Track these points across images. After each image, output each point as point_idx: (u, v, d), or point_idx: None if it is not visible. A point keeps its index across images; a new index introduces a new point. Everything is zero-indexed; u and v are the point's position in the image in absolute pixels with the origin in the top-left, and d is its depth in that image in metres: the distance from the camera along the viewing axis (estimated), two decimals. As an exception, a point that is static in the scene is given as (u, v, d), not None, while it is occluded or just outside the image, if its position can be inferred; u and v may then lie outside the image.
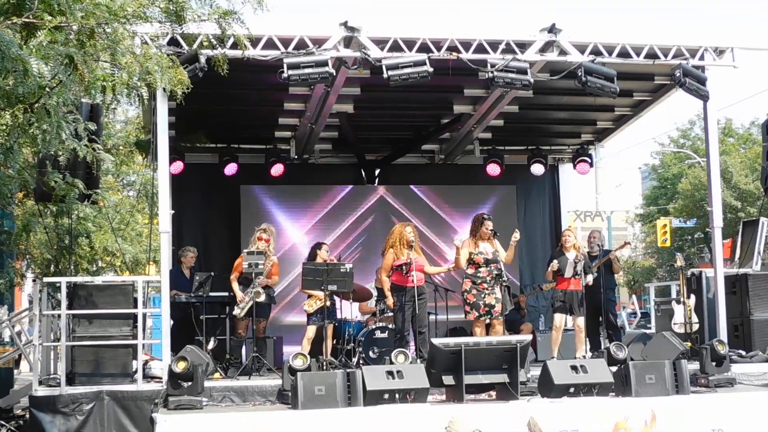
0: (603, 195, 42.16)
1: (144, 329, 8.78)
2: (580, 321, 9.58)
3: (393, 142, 13.38)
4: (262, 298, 9.19)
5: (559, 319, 9.68)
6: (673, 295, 12.10)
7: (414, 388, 7.53)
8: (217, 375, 8.88)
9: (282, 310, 12.22)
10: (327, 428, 7.14)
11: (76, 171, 8.19)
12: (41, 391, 8.17)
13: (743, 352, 9.77)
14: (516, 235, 9.31)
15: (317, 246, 9.93)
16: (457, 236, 9.74)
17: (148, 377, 8.51)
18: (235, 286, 9.43)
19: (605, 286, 10.39)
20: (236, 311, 9.35)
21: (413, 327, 9.29)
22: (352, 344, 10.03)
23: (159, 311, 8.92)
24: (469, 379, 7.69)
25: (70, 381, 8.24)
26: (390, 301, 9.36)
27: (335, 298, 9.48)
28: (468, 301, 9.18)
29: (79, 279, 9.36)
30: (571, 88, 9.99)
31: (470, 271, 9.22)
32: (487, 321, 9.13)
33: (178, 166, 11.92)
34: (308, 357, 8.16)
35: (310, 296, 9.51)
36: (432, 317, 10.48)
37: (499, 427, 7.24)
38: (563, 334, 10.15)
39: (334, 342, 10.12)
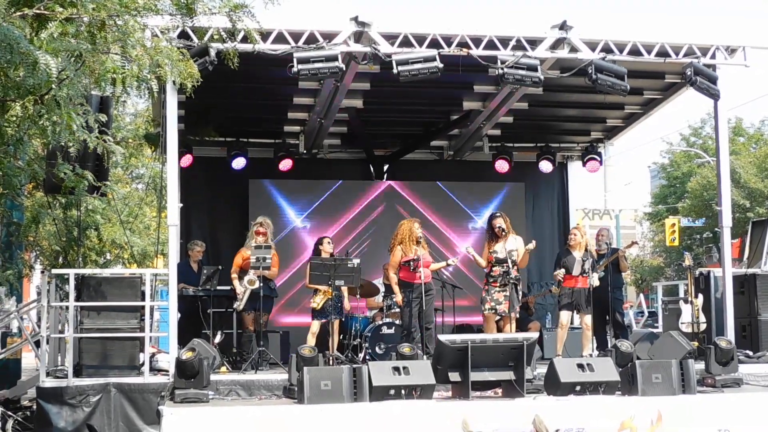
0: (612, 193, 42.10)
1: (151, 322, 8.80)
2: (587, 319, 9.57)
3: (402, 138, 13.36)
4: (257, 285, 9.17)
5: (565, 316, 9.67)
6: (681, 294, 12.05)
7: (420, 385, 7.53)
8: (223, 369, 8.90)
9: (289, 303, 12.24)
10: (333, 423, 7.14)
11: (86, 163, 8.21)
12: (48, 383, 8.20)
13: (750, 353, 9.75)
14: (531, 245, 9.38)
15: (319, 241, 9.91)
16: (465, 245, 9.81)
17: (155, 370, 8.55)
18: (236, 281, 9.44)
19: (612, 284, 10.36)
20: (236, 304, 9.36)
21: (420, 323, 9.29)
22: (359, 340, 10.04)
23: (166, 304, 8.94)
24: (475, 376, 7.68)
25: (78, 373, 8.26)
26: (399, 297, 9.37)
27: (342, 292, 9.45)
28: (481, 295, 9.36)
29: (87, 271, 9.40)
30: (581, 85, 9.96)
31: (486, 269, 9.40)
32: (497, 318, 9.20)
33: (187, 160, 11.94)
34: (315, 349, 8.19)
35: (316, 291, 9.48)
36: (439, 314, 10.49)
37: (505, 425, 7.24)
38: (570, 332, 10.13)
39: (341, 337, 10.13)
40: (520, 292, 9.60)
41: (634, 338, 10.40)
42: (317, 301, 9.36)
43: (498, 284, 9.23)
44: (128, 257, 15.23)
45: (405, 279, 9.33)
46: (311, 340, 9.23)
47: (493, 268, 9.28)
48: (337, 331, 9.33)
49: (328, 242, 9.86)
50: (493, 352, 7.81)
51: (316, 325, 9.43)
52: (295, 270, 12.28)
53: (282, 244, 11.94)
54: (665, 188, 38.36)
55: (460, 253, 11.32)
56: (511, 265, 9.19)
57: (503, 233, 9.31)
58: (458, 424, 6.98)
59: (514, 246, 9.33)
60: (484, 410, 7.35)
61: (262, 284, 9.19)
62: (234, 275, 9.51)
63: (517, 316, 9.43)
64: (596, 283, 9.70)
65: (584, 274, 9.53)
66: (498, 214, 9.54)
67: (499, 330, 9.22)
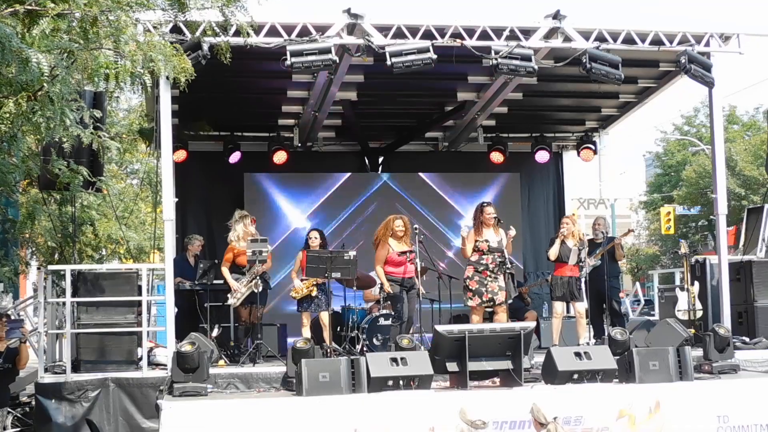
0: (607, 182, 42.16)
1: (149, 317, 8.80)
2: (580, 307, 9.56)
3: (396, 130, 13.35)
4: (260, 288, 9.17)
5: (559, 306, 9.68)
6: (677, 282, 12.10)
7: (418, 375, 7.55)
8: (221, 362, 8.91)
9: (284, 297, 12.23)
10: (331, 415, 7.16)
11: (80, 159, 8.21)
12: (47, 378, 8.22)
13: (747, 339, 9.79)
14: (512, 232, 9.30)
15: (307, 234, 9.86)
16: (464, 226, 9.74)
17: (152, 364, 8.56)
18: (227, 274, 9.41)
19: (609, 273, 10.37)
20: (231, 300, 9.33)
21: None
22: (356, 331, 10.05)
23: (163, 299, 8.95)
24: (472, 365, 7.71)
25: (76, 368, 8.28)
26: (387, 285, 9.40)
27: (325, 286, 9.40)
28: (470, 287, 9.17)
29: (83, 267, 9.39)
30: (575, 74, 9.95)
31: (474, 258, 9.21)
32: (490, 309, 9.13)
33: (182, 155, 11.92)
34: (311, 340, 8.20)
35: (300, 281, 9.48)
36: (435, 305, 10.52)
37: (503, 414, 7.27)
38: (567, 321, 10.15)
39: (338, 329, 10.14)
40: (516, 282, 9.59)
41: (630, 326, 10.45)
42: (298, 292, 9.33)
43: (489, 273, 9.12)
44: (124, 252, 15.22)
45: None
46: (306, 334, 9.23)
47: (483, 256, 9.16)
48: (328, 324, 9.29)
49: (315, 237, 9.69)
50: (491, 342, 7.83)
51: (305, 317, 9.42)
52: (293, 263, 12.27)
53: (278, 237, 11.95)
54: (660, 177, 38.42)
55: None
56: (507, 255, 9.16)
57: (497, 222, 9.28)
58: (456, 414, 6.99)
59: (502, 235, 9.29)
60: (482, 400, 7.37)
61: (261, 283, 9.18)
62: (225, 269, 9.48)
63: (511, 300, 9.42)
64: (590, 266, 9.68)
65: (580, 263, 9.53)
66: (489, 203, 9.51)
67: (492, 320, 9.18)
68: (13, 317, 11.19)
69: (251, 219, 9.60)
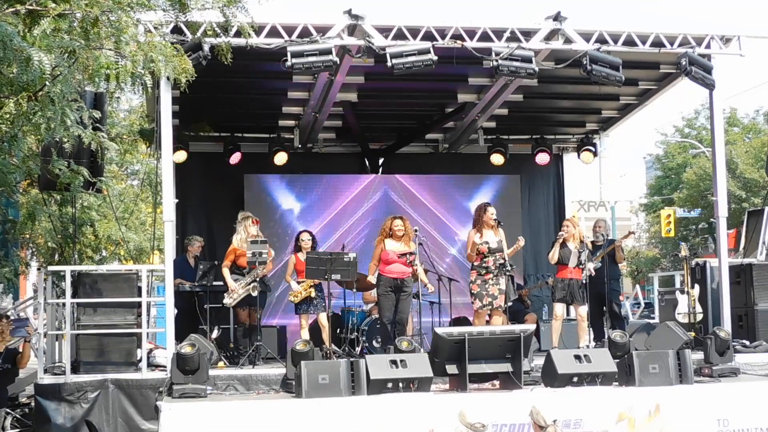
0: (607, 185, 42.18)
1: (148, 318, 8.79)
2: (582, 310, 9.55)
3: (397, 131, 13.35)
4: (256, 293, 9.16)
5: (560, 308, 9.67)
6: (677, 285, 12.08)
7: (417, 377, 7.55)
8: (221, 364, 8.91)
9: (281, 301, 12.21)
10: (330, 417, 7.16)
11: (81, 159, 8.20)
12: (46, 379, 8.22)
13: (747, 342, 9.77)
14: (521, 241, 9.24)
15: (297, 237, 9.84)
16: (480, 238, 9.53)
17: (152, 366, 8.55)
18: (227, 274, 9.39)
19: (609, 275, 10.37)
20: (227, 300, 9.29)
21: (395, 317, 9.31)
22: (356, 334, 10.04)
23: (163, 300, 8.94)
24: (472, 368, 7.71)
25: (75, 369, 8.27)
26: (371, 278, 9.39)
27: (322, 287, 9.40)
28: (473, 291, 9.17)
29: (83, 267, 9.38)
30: (576, 76, 9.96)
31: (476, 262, 9.20)
32: (489, 312, 9.09)
33: (182, 155, 11.91)
34: (310, 342, 8.18)
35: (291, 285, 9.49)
36: (435, 307, 10.51)
37: (503, 417, 7.26)
38: (567, 324, 10.14)
39: (338, 331, 10.14)
40: (516, 284, 9.56)
41: (630, 329, 10.44)
42: (297, 295, 9.33)
43: (491, 276, 9.07)
44: (124, 254, 15.22)
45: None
46: (304, 335, 9.21)
47: (485, 259, 9.13)
48: (327, 326, 9.25)
49: (306, 239, 9.66)
50: (491, 345, 7.82)
51: (303, 320, 9.41)
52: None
53: (277, 239, 11.93)
54: (660, 179, 38.41)
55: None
56: (506, 256, 9.14)
57: (498, 224, 9.26)
58: (456, 416, 6.99)
59: (502, 236, 9.27)
60: (482, 402, 7.37)
61: (259, 286, 9.17)
62: (225, 269, 9.47)
63: (511, 302, 9.39)
64: (592, 271, 9.67)
65: (580, 266, 9.52)
66: (490, 204, 9.50)
67: (489, 323, 9.15)
68: (13, 318, 11.18)
69: (253, 220, 9.58)
